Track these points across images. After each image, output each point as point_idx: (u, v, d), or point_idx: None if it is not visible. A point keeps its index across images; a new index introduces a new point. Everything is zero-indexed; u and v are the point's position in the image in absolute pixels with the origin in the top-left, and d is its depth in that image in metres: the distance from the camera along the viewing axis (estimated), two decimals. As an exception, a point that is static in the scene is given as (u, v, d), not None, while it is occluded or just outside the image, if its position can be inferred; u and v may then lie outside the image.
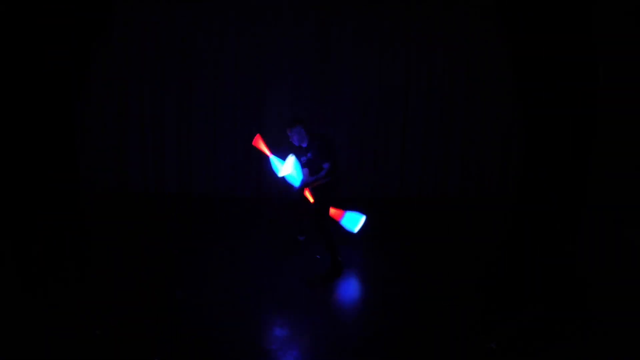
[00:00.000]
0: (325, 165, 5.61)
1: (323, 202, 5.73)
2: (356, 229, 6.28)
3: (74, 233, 5.51)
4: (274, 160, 5.94)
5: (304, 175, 5.75)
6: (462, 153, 8.84)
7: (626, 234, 6.85)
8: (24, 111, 5.14)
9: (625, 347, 4.22)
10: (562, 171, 4.89)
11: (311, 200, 5.79)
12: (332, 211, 6.17)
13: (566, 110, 4.80)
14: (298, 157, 5.77)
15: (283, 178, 5.85)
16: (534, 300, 4.99)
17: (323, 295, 5.36)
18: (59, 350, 4.09)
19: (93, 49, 5.72)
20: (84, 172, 8.36)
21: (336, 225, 6.22)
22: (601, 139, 5.60)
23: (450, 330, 4.53)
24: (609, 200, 7.30)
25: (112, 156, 8.57)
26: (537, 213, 4.99)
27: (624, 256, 6.31)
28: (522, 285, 5.26)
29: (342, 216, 6.27)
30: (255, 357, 4.17)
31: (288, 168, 5.67)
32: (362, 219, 6.27)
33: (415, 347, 4.31)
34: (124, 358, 4.08)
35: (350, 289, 5.45)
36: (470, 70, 8.67)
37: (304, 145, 5.70)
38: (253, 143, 6.00)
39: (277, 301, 5.19)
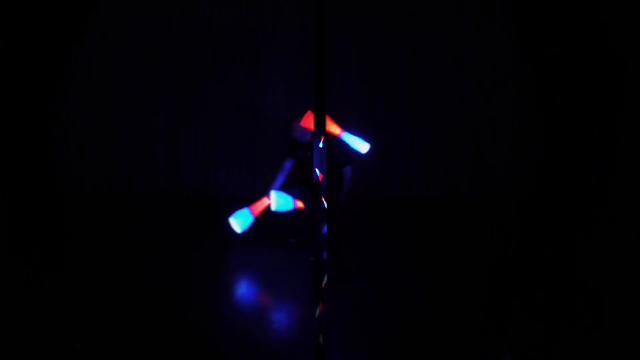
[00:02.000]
0: (347, 170, 5.56)
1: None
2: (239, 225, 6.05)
3: (59, 233, 5.43)
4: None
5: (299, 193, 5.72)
6: (471, 153, 8.71)
7: (625, 235, 6.86)
8: (2, 110, 5.03)
9: (625, 347, 4.23)
10: (579, 174, 4.86)
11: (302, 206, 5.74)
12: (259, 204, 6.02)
13: (586, 111, 4.75)
14: (299, 153, 5.75)
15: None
16: (536, 300, 5.00)
17: (322, 295, 5.32)
18: (53, 354, 4.03)
19: (73, 44, 5.52)
20: (71, 172, 8.22)
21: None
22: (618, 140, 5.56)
23: (453, 331, 4.52)
24: (610, 201, 7.29)
25: (102, 156, 8.43)
26: (548, 214, 4.99)
27: (624, 256, 6.31)
28: (527, 285, 5.28)
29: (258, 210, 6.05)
30: (255, 357, 4.15)
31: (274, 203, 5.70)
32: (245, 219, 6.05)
33: (418, 347, 4.30)
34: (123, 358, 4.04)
35: (352, 288, 5.43)
36: (479, 68, 8.52)
37: (306, 140, 5.69)
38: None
39: (277, 301, 5.18)
